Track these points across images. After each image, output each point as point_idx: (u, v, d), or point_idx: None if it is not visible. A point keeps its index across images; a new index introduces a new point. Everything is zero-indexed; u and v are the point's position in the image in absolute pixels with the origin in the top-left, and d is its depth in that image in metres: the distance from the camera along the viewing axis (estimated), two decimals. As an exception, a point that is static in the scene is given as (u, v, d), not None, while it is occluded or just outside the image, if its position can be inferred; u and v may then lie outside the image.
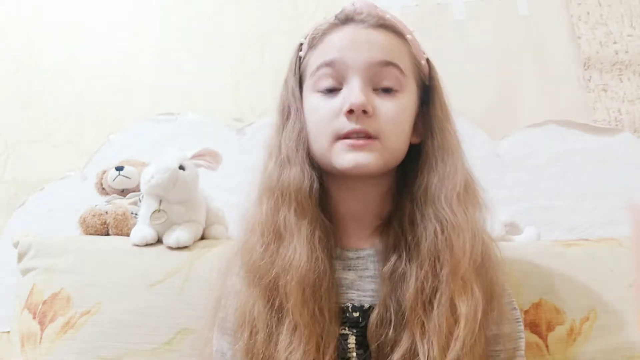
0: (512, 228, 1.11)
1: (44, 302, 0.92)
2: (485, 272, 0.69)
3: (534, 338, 0.86)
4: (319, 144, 0.72)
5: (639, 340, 0.86)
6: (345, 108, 0.69)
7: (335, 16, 0.75)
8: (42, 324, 0.91)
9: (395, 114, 0.72)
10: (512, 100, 1.28)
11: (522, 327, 0.75)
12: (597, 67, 1.27)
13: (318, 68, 0.73)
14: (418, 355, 0.64)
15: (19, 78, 1.39)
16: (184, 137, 1.27)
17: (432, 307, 0.66)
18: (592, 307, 0.88)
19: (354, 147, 0.70)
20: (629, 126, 1.23)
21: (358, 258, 0.74)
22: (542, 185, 1.19)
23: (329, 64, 0.72)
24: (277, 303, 0.68)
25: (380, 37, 0.73)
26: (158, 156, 1.00)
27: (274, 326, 0.67)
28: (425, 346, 0.64)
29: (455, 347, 0.64)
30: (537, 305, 0.88)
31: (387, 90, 0.72)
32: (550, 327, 0.87)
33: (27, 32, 1.42)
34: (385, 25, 0.74)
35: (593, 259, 0.93)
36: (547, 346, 0.86)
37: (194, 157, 1.01)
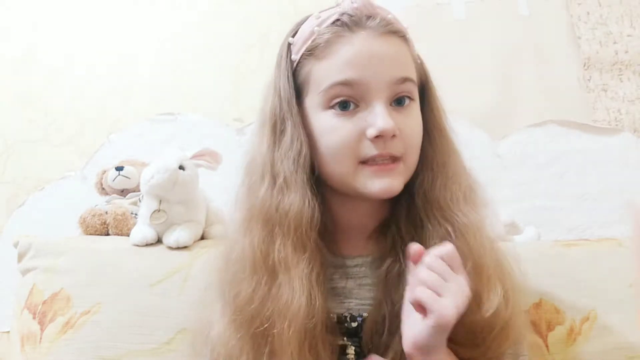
0: (512, 228, 1.10)
1: (44, 302, 0.92)
2: (502, 272, 0.67)
3: (534, 338, 0.86)
4: (339, 167, 0.66)
5: (639, 340, 0.86)
6: (373, 133, 0.64)
7: (338, 19, 0.67)
8: (42, 324, 0.91)
9: (416, 131, 0.69)
10: (512, 100, 1.27)
11: None
12: (597, 67, 1.27)
13: (332, 86, 0.65)
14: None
15: (19, 78, 1.39)
16: (184, 137, 1.27)
17: None
18: (592, 307, 0.88)
19: (382, 172, 0.65)
20: (629, 126, 1.23)
21: (356, 266, 0.71)
22: (542, 185, 1.18)
23: (347, 84, 0.65)
24: (267, 350, 0.62)
25: (394, 48, 0.67)
26: (158, 156, 1.00)
27: None
28: None
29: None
30: (537, 305, 0.88)
31: (400, 102, 0.67)
32: (550, 327, 0.87)
33: (27, 32, 1.42)
34: (393, 31, 0.68)
35: (593, 259, 0.93)
36: (547, 346, 0.86)
37: (194, 157, 1.01)
